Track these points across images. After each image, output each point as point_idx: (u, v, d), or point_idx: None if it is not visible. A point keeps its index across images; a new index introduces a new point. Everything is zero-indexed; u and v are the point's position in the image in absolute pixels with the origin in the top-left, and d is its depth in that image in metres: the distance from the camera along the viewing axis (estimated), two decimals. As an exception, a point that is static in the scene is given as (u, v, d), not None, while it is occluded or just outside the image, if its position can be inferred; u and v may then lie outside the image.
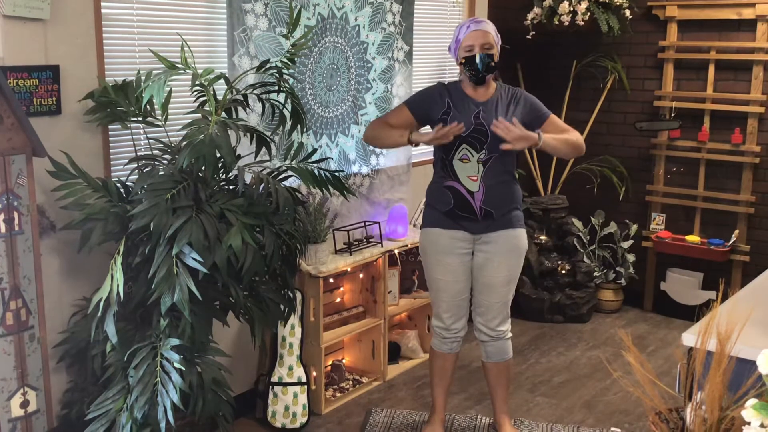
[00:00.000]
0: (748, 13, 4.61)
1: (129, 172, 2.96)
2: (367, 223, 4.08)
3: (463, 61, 3.16)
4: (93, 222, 2.69)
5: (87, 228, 2.69)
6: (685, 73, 4.92)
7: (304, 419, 3.61)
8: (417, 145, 3.18)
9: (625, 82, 5.08)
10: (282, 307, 3.00)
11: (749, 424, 1.80)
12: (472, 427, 3.61)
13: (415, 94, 3.35)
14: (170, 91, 2.91)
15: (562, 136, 3.20)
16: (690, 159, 4.95)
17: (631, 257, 5.11)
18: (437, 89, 3.27)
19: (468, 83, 3.21)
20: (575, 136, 3.23)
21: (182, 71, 2.71)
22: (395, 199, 4.33)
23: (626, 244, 5.12)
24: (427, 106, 3.23)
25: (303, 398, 3.60)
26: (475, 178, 3.18)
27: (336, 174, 3.23)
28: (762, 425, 1.78)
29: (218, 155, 2.62)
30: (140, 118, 2.94)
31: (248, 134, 2.94)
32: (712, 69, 4.78)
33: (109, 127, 3.02)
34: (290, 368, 3.59)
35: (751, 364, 1.98)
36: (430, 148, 3.34)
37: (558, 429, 3.61)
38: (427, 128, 3.25)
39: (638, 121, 5.01)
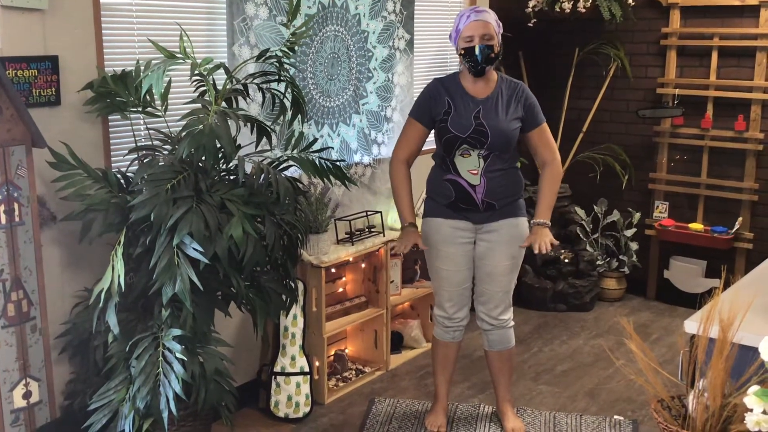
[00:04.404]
0: (751, -1, 4.59)
1: (129, 162, 2.95)
2: (368, 213, 4.08)
3: (463, 52, 3.13)
4: (93, 213, 2.69)
5: (87, 219, 2.69)
6: (688, 60, 4.89)
7: (307, 409, 3.61)
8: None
9: (627, 70, 5.05)
10: (284, 297, 3.00)
11: (751, 410, 1.80)
12: (475, 416, 3.61)
13: (415, 102, 3.31)
14: (170, 81, 2.90)
15: (551, 193, 3.24)
16: (693, 146, 4.92)
17: (634, 245, 5.10)
18: (434, 88, 3.23)
19: (467, 75, 3.19)
20: (556, 172, 3.26)
21: (181, 61, 2.70)
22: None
23: (629, 233, 5.11)
24: (430, 108, 3.20)
25: (306, 388, 3.61)
26: (475, 171, 3.16)
27: (337, 163, 3.22)
28: (764, 412, 1.78)
29: (218, 145, 2.62)
30: (140, 108, 2.93)
31: (248, 124, 2.93)
32: (715, 56, 4.75)
33: (109, 117, 3.01)
34: (293, 358, 3.59)
35: (754, 351, 1.97)
36: (432, 137, 3.32)
37: (561, 417, 3.61)
38: None
39: (641, 109, 4.98)
